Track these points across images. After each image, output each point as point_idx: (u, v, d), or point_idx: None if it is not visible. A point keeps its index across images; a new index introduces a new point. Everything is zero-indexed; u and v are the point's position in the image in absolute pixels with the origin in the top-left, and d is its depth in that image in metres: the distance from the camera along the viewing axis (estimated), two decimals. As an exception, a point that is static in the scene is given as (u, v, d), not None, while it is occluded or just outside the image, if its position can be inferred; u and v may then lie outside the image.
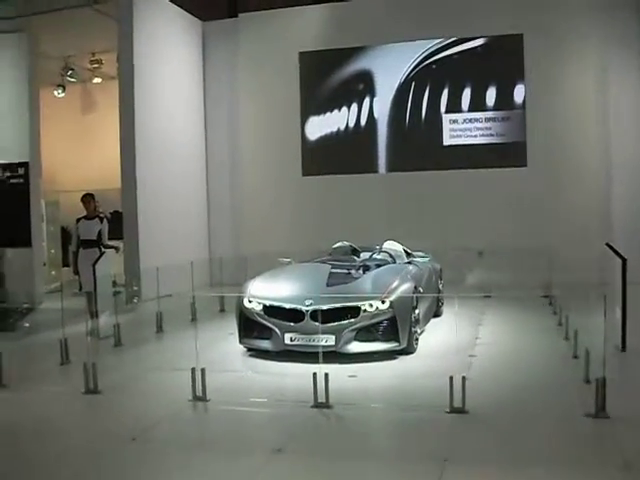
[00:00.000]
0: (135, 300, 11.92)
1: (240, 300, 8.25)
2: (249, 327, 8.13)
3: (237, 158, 16.55)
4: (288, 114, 16.09)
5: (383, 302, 7.72)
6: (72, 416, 6.36)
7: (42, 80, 15.92)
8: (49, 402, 6.76)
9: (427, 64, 15.44)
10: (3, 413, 6.48)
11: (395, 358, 7.89)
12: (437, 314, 10.41)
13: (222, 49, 16.75)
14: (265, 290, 8.24)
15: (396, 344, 7.79)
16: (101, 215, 10.41)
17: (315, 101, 16.11)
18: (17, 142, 14.70)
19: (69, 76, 17.87)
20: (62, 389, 7.28)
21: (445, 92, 15.31)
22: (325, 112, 16.02)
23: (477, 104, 15.13)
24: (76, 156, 18.86)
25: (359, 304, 7.71)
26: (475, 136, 15.18)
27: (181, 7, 15.89)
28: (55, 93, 18.41)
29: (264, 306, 7.99)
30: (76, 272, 10.15)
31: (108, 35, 14.57)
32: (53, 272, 17.04)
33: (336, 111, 15.93)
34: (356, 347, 7.68)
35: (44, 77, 16.32)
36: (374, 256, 9.98)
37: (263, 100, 16.36)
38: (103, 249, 9.98)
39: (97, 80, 18.26)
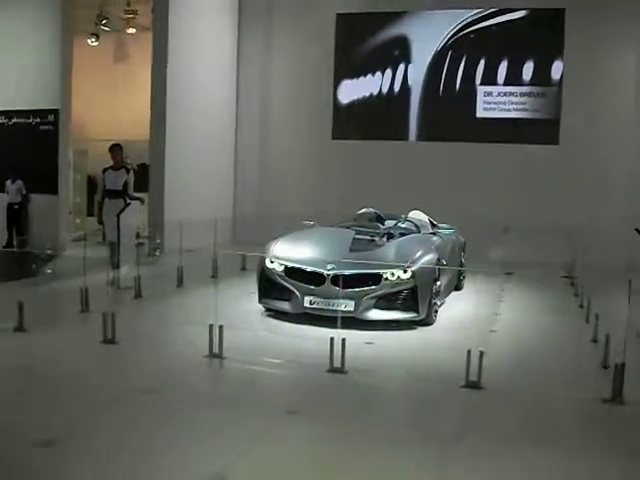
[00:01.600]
0: (157, 253, 11.95)
1: (262, 260, 8.24)
2: (269, 287, 8.14)
3: (267, 118, 16.45)
4: (321, 76, 15.94)
5: (405, 271, 7.68)
6: (87, 363, 6.39)
7: (76, 28, 15.88)
8: (66, 348, 6.82)
9: (465, 34, 15.20)
10: (21, 356, 6.55)
11: (413, 328, 7.87)
12: (458, 287, 10.35)
13: (257, 8, 16.55)
14: (288, 251, 8.22)
15: (415, 314, 7.76)
16: (128, 166, 10.38)
17: (349, 64, 15.93)
18: (48, 89, 14.71)
19: (103, 25, 17.84)
20: (80, 337, 7.35)
21: (481, 63, 15.09)
22: (358, 76, 15.86)
23: (513, 78, 14.91)
24: (106, 106, 18.84)
25: (381, 272, 7.67)
26: (509, 110, 14.98)
27: (219, -38, 15.74)
28: (89, 42, 18.37)
29: (285, 267, 7.98)
30: (100, 222, 10.17)
31: (144, -16, 14.53)
32: (78, 220, 17.16)
33: (370, 76, 15.75)
34: (375, 314, 7.66)
35: (78, 25, 16.28)
36: (399, 224, 9.91)
37: (296, 61, 16.19)
38: (128, 200, 9.97)
39: (131, 31, 18.19)
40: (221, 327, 6.31)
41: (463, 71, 15.21)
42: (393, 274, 7.66)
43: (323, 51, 15.89)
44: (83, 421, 4.79)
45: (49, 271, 10.49)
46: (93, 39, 18.43)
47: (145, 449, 4.34)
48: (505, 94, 14.95)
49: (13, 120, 15.28)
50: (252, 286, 8.81)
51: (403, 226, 9.83)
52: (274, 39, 16.37)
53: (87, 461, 4.15)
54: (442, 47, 15.34)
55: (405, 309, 7.76)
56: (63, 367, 6.16)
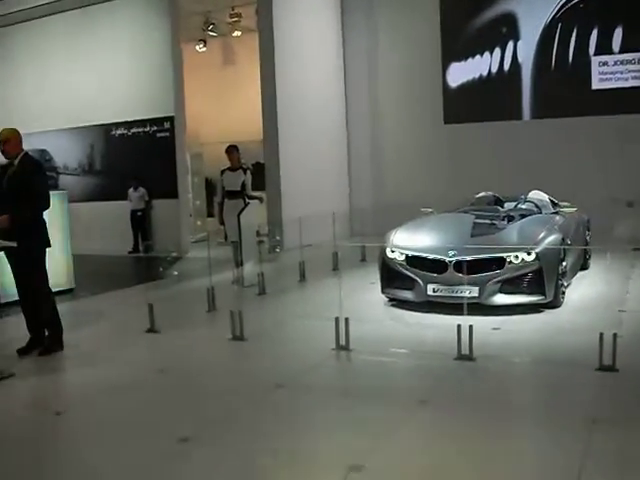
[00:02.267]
0: (277, 249, 12.15)
1: (383, 250, 8.23)
2: (391, 277, 8.12)
3: (377, 108, 16.38)
4: (428, 61, 15.70)
5: (529, 253, 7.48)
6: (220, 361, 6.59)
7: (184, 36, 16.34)
8: (198, 347, 7.05)
9: (574, 3, 14.63)
10: (157, 357, 6.82)
11: (540, 311, 7.66)
12: (584, 267, 10.00)
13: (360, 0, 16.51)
14: (408, 240, 8.17)
15: (542, 297, 7.56)
16: (244, 166, 10.57)
17: (456, 46, 15.65)
18: (162, 97, 15.23)
19: (210, 30, 18.25)
20: (209, 335, 7.57)
21: (594, 33, 14.48)
22: (467, 58, 15.55)
23: (629, 44, 14.22)
24: (218, 109, 19.29)
25: (504, 255, 7.50)
26: (626, 79, 14.32)
27: (319, -43, 15.78)
28: (197, 48, 18.85)
29: (407, 256, 7.93)
30: (222, 222, 10.40)
31: (247, -12, 14.77)
32: (198, 222, 17.65)
33: (478, 56, 15.42)
34: (500, 299, 7.51)
35: (186, 33, 16.74)
36: (519, 206, 9.67)
37: (403, 47, 16.00)
38: (247, 200, 10.17)
39: (237, 33, 18.52)
40: (347, 319, 6.34)
41: (575, 43, 14.65)
42: (517, 257, 7.48)
43: (429, 35, 15.64)
44: (218, 417, 4.93)
45: (175, 273, 10.85)
46: (201, 45, 18.90)
47: (283, 442, 4.43)
48: (622, 62, 14.29)
49: (132, 130, 15.90)
50: (373, 276, 8.84)
51: (524, 207, 9.57)
52: (378, 29, 16.25)
53: (230, 456, 4.28)
54: (551, 20, 14.83)
55: (531, 292, 7.57)
56: (197, 365, 6.38)
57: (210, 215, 18.24)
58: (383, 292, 8.30)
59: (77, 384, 6.13)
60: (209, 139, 19.03)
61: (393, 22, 16.08)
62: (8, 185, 6.69)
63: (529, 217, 8.85)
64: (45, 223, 6.87)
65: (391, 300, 8.35)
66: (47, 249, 6.89)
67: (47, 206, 6.82)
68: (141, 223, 15.49)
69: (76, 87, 16.46)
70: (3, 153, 6.82)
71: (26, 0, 16.70)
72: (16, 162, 6.76)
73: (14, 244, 6.43)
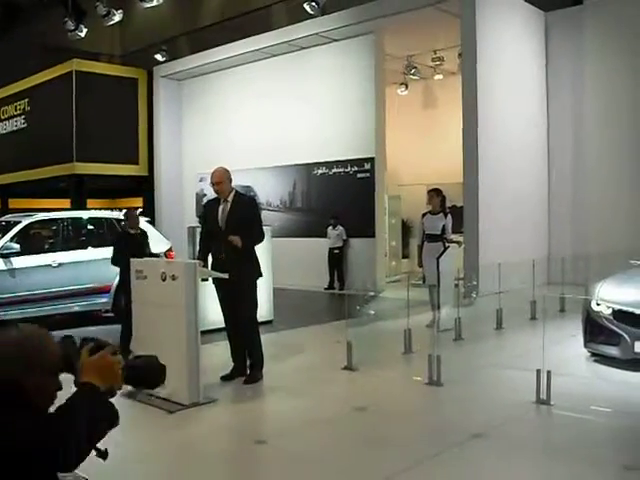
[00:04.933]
0: (474, 295, 12.01)
1: (588, 302, 7.92)
2: (596, 331, 7.76)
3: (581, 152, 15.65)
4: (638, 97, 14.81)
5: None
6: (415, 405, 6.64)
7: (387, 79, 16.75)
8: (394, 389, 7.14)
9: None
10: (353, 394, 6.98)
11: None
12: None
13: (566, 38, 15.91)
14: (616, 293, 7.79)
15: None
16: (446, 210, 10.58)
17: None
18: (364, 139, 15.66)
19: (412, 74, 18.57)
20: (405, 377, 7.63)
21: None
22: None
23: None
24: (416, 151, 19.52)
25: None
26: None
27: (523, -1, 15.62)
28: (398, 91, 19.21)
29: (614, 310, 7.58)
30: (420, 265, 10.48)
31: (450, 32, 14.89)
32: (393, 263, 17.83)
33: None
34: None
35: (388, 76, 17.14)
36: None
37: (610, 85, 15.05)
38: (447, 243, 10.19)
39: (438, 77, 18.73)
40: (549, 372, 6.17)
41: None
42: None
43: (638, 71, 14.76)
44: (414, 461, 4.96)
45: (372, 312, 11.02)
46: (402, 88, 19.25)
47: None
48: None
49: (333, 170, 16.44)
50: (573, 329, 8.52)
51: None
52: (585, 70, 15.54)
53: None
54: None
55: None
56: (392, 407, 6.46)
57: (405, 256, 18.40)
58: (586, 346, 7.96)
59: (278, 414, 6.39)
60: (408, 181, 19.26)
61: (601, 64, 15.29)
62: (226, 221, 7.17)
63: None
64: (256, 254, 7.30)
65: (594, 355, 8.00)
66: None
67: (262, 238, 7.28)
68: (338, 261, 15.89)
69: (283, 127, 17.33)
70: (217, 192, 7.34)
71: (239, 46, 17.84)
72: (230, 199, 7.24)
73: (226, 276, 6.86)
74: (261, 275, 7.46)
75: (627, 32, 14.75)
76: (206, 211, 7.68)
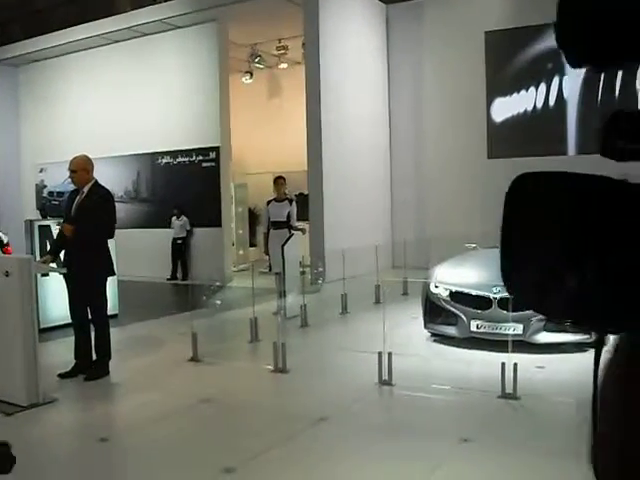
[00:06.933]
0: (320, 281, 12.17)
1: (426, 285, 8.22)
2: (435, 312, 8.08)
3: (420, 140, 16.35)
4: (473, 96, 15.65)
5: (575, 291, 7.39)
6: (261, 393, 6.62)
7: (231, 67, 16.62)
8: (240, 378, 7.09)
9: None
10: (199, 386, 6.85)
11: (585, 350, 7.54)
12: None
13: (406, 31, 16.48)
14: (452, 276, 8.15)
15: (587, 336, 7.44)
16: (289, 197, 10.66)
17: (501, 82, 15.61)
18: (209, 127, 15.47)
19: (256, 63, 18.50)
20: (251, 366, 7.61)
21: (642, 68, 14.36)
22: (512, 93, 15.50)
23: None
24: (262, 140, 19.50)
25: (549, 293, 7.41)
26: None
27: (365, -9, 15.92)
28: (243, 80, 19.10)
29: (450, 292, 7.91)
30: (267, 252, 10.49)
31: (294, 22, 14.95)
32: (241, 251, 17.76)
33: (523, 91, 15.36)
34: (544, 337, 7.42)
35: (233, 64, 17.01)
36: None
37: (448, 82, 15.96)
38: (292, 231, 10.26)
39: (283, 66, 18.76)
40: (390, 354, 6.33)
41: (622, 77, 14.54)
42: (563, 295, 7.39)
43: (474, 70, 15.58)
44: (262, 449, 4.94)
45: (218, 302, 10.93)
46: (247, 77, 19.15)
47: (324, 477, 4.42)
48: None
49: (178, 159, 16.15)
50: (415, 310, 8.80)
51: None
52: (424, 62, 16.24)
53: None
54: (598, 55, 14.72)
55: (575, 330, 7.46)
56: (239, 397, 6.40)
57: (252, 245, 18.40)
58: (426, 327, 8.27)
59: (122, 411, 6.21)
60: (254, 169, 19.23)
61: (439, 57, 16.07)
62: (76, 213, 6.89)
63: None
64: (109, 251, 7.04)
65: (434, 335, 8.31)
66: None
67: (110, 233, 7.03)
68: (181, 251, 15.67)
69: (128, 116, 16.82)
70: (72, 181, 7.05)
71: (80, 31, 17.13)
72: (85, 190, 6.96)
73: (64, 270, 6.59)
74: (113, 274, 7.23)
75: (465, 27, 15.43)
76: (66, 202, 7.36)
